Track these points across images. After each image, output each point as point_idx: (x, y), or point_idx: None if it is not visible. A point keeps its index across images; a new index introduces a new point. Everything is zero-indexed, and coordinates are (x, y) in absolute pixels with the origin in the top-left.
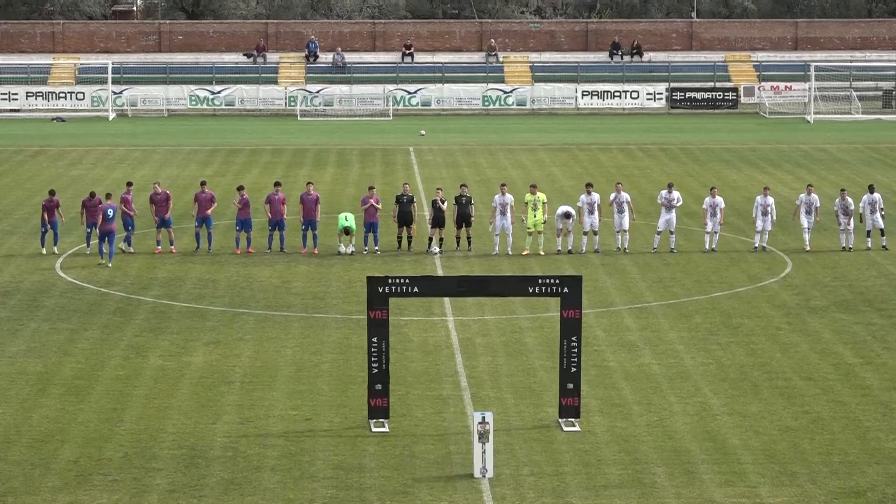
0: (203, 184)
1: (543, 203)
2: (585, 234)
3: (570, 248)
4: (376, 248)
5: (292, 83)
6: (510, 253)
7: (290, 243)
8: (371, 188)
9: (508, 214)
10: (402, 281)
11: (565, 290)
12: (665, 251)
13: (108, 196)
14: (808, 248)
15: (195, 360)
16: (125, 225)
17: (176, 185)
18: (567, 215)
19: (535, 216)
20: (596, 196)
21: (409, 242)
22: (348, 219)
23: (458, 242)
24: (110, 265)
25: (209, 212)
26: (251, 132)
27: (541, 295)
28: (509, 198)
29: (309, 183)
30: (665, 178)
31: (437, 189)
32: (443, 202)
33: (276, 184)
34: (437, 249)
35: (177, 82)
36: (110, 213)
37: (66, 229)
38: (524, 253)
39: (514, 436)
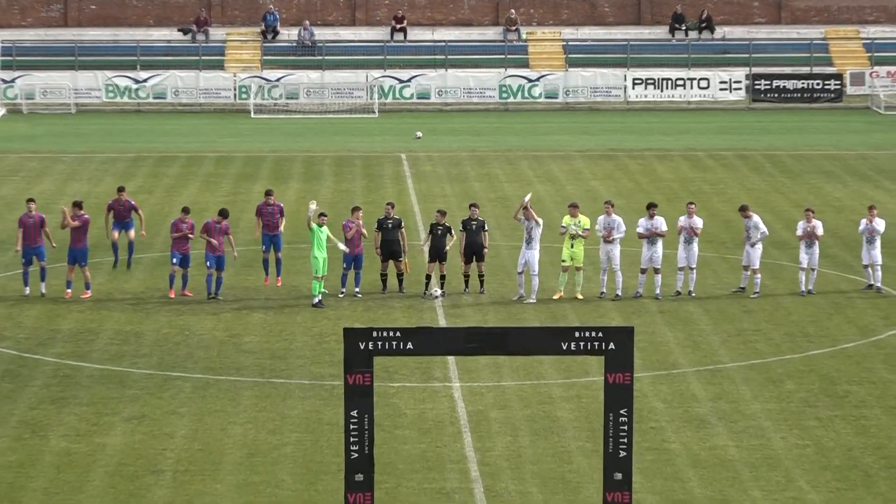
0: (121, 190)
1: (585, 229)
2: (643, 271)
3: (618, 290)
4: (356, 289)
5: (244, 68)
6: (534, 300)
7: (237, 284)
8: (356, 210)
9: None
10: (392, 334)
11: (611, 346)
12: (747, 293)
13: None
14: (874, 286)
15: (112, 442)
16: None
17: (87, 206)
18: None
19: (572, 246)
20: (660, 221)
21: (400, 282)
22: (320, 249)
23: (466, 282)
24: None
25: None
26: (188, 134)
27: (578, 352)
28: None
29: (268, 193)
30: (745, 195)
31: (438, 212)
32: (447, 228)
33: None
34: (439, 291)
35: (89, 67)
36: None
37: None
38: (556, 296)
39: None
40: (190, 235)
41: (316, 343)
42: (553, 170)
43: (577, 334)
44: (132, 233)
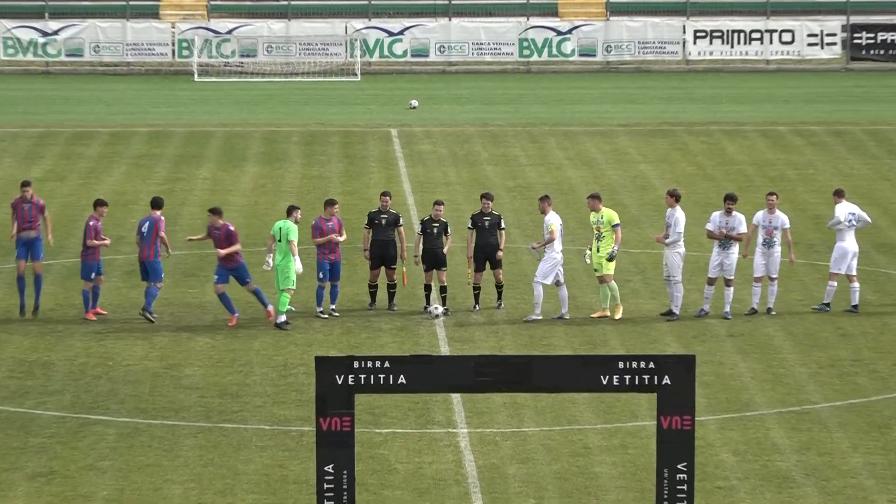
0: (26, 185)
1: (613, 225)
2: (711, 282)
3: (674, 307)
4: (332, 306)
5: (185, 18)
6: (565, 315)
7: (175, 298)
8: (330, 204)
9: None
10: (378, 365)
11: (666, 380)
12: (839, 310)
13: None
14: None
15: None
16: None
17: None
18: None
19: (598, 250)
20: (739, 219)
21: (391, 295)
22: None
23: (476, 297)
24: None
25: (42, 233)
26: (112, 103)
27: (623, 389)
28: (550, 220)
29: (213, 212)
30: (840, 182)
31: (436, 203)
32: (443, 227)
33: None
34: (441, 308)
35: None
36: None
37: None
38: (595, 315)
39: None
40: (105, 243)
41: (279, 376)
42: (589, 149)
43: (621, 365)
44: (39, 264)
